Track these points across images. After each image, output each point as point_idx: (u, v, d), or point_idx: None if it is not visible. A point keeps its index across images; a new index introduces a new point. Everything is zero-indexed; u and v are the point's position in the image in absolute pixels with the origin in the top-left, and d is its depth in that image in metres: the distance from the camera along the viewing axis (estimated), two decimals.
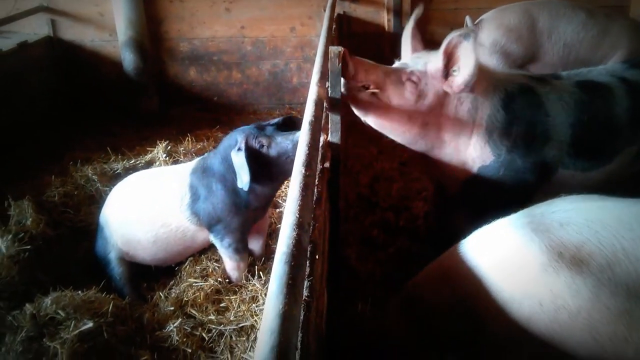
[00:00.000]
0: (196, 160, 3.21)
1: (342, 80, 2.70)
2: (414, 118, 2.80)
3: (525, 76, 3.08)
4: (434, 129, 2.84)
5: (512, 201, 2.93)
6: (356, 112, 2.86)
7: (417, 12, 3.12)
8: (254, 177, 2.80)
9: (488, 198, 2.96)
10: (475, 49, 2.62)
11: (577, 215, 2.03)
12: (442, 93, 2.79)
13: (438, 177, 3.14)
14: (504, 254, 2.07)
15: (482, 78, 2.82)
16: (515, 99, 2.86)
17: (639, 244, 1.88)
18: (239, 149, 2.82)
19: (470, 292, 2.09)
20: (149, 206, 3.15)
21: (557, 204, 2.16)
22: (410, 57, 2.99)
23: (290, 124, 2.93)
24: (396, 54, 3.19)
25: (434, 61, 2.79)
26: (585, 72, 3.23)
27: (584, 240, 1.93)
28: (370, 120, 2.86)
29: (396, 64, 2.96)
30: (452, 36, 2.65)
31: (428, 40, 2.64)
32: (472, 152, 2.88)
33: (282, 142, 2.79)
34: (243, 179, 2.80)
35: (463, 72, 2.68)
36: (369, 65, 2.79)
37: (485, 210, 2.87)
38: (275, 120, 2.95)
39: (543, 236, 1.99)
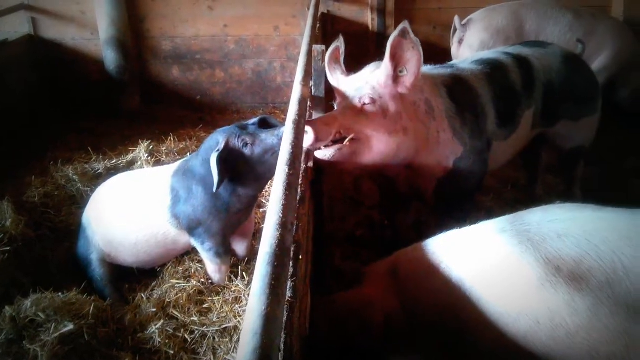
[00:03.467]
0: (179, 162, 3.17)
1: (324, 152, 2.65)
2: (393, 131, 2.76)
3: (443, 67, 3.20)
4: (412, 131, 2.82)
5: (478, 186, 3.17)
6: (346, 162, 2.76)
7: (338, 42, 3.02)
8: (232, 179, 2.77)
9: (462, 188, 3.05)
10: (417, 42, 2.63)
11: (575, 227, 1.92)
12: (399, 96, 2.77)
13: (410, 182, 3.12)
14: (494, 264, 1.97)
15: (425, 78, 2.90)
16: (454, 89, 2.98)
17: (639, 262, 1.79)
18: (217, 150, 2.73)
19: (451, 302, 2.00)
20: (131, 208, 3.12)
21: (554, 212, 2.05)
22: (343, 89, 2.88)
23: (266, 124, 2.89)
24: (381, 53, 3.18)
25: (374, 74, 2.78)
26: (471, 56, 3.52)
27: (582, 255, 1.83)
28: (363, 160, 2.77)
29: (336, 105, 2.92)
30: (392, 39, 2.64)
31: None
32: (444, 149, 2.93)
33: (267, 138, 2.72)
34: (214, 182, 2.71)
35: (411, 67, 2.68)
36: (324, 119, 2.70)
37: (457, 202, 3.06)
38: (253, 120, 2.91)
39: (539, 247, 1.89)
